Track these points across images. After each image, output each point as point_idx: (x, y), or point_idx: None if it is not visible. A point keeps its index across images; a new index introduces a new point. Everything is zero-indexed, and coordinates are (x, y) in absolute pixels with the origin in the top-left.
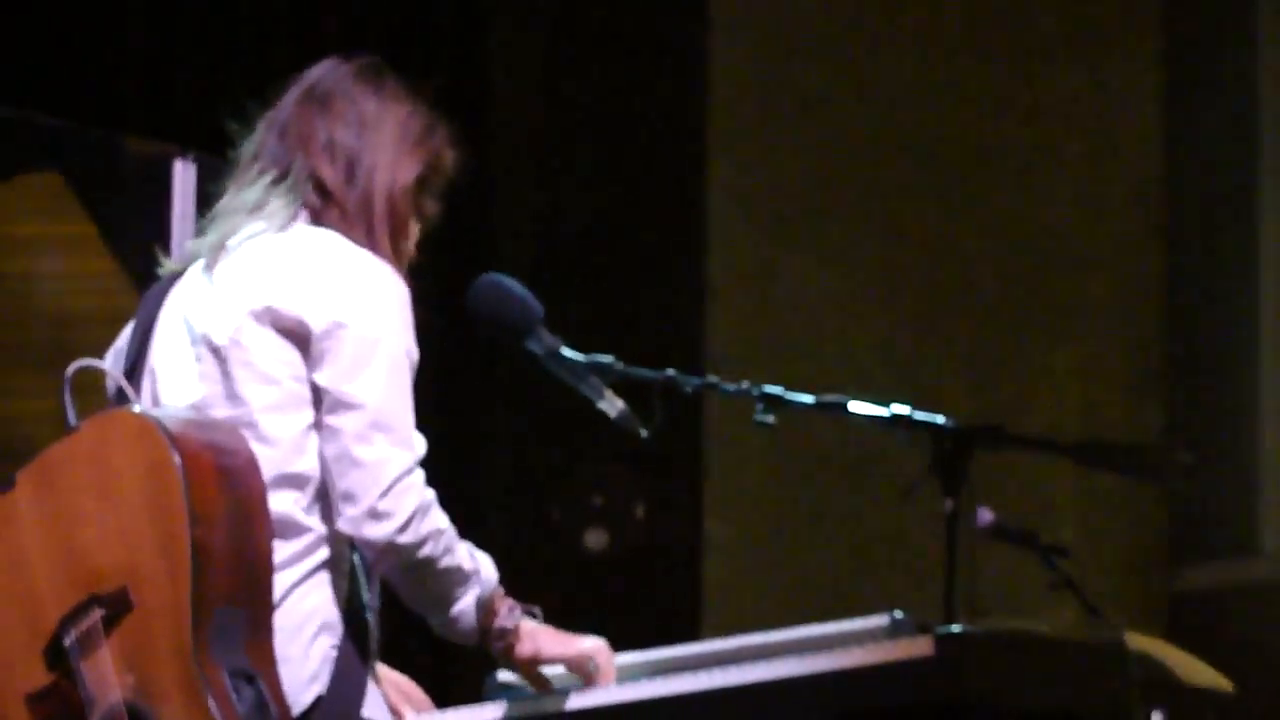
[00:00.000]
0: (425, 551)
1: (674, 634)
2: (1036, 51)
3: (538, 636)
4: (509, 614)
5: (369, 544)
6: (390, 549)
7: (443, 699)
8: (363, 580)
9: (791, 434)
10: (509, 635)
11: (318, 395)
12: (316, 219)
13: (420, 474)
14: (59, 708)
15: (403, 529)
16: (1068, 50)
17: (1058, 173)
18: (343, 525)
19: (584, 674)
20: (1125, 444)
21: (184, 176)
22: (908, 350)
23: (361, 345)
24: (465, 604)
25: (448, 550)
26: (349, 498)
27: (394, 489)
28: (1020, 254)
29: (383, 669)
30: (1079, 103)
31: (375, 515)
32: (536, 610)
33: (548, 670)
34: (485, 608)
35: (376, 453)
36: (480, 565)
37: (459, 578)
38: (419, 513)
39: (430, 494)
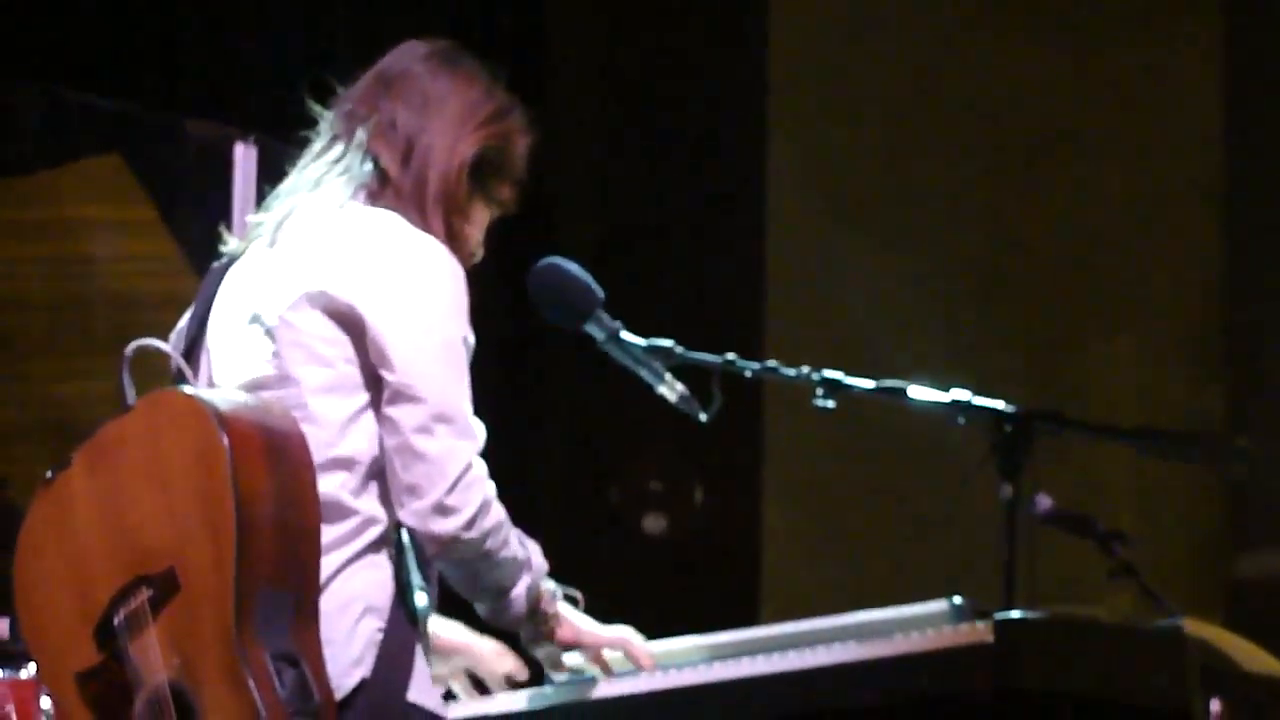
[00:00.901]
0: (488, 545)
1: (732, 618)
2: (1097, 36)
3: (576, 622)
4: (551, 599)
5: (434, 538)
6: (455, 543)
7: None
8: (411, 563)
9: (850, 419)
10: (551, 620)
11: (374, 381)
12: (373, 199)
13: (483, 466)
14: (108, 687)
15: (469, 524)
16: (1129, 35)
17: (1118, 157)
18: (406, 518)
19: (630, 655)
20: (1184, 430)
21: (245, 159)
22: (967, 335)
23: (416, 334)
24: (518, 592)
25: (506, 542)
26: (414, 491)
27: (460, 483)
28: (1080, 239)
29: (454, 627)
30: (1139, 88)
31: (442, 510)
32: (578, 596)
33: (570, 661)
34: (533, 594)
35: (439, 445)
36: (530, 552)
37: (514, 568)
38: (484, 507)
39: (492, 487)
